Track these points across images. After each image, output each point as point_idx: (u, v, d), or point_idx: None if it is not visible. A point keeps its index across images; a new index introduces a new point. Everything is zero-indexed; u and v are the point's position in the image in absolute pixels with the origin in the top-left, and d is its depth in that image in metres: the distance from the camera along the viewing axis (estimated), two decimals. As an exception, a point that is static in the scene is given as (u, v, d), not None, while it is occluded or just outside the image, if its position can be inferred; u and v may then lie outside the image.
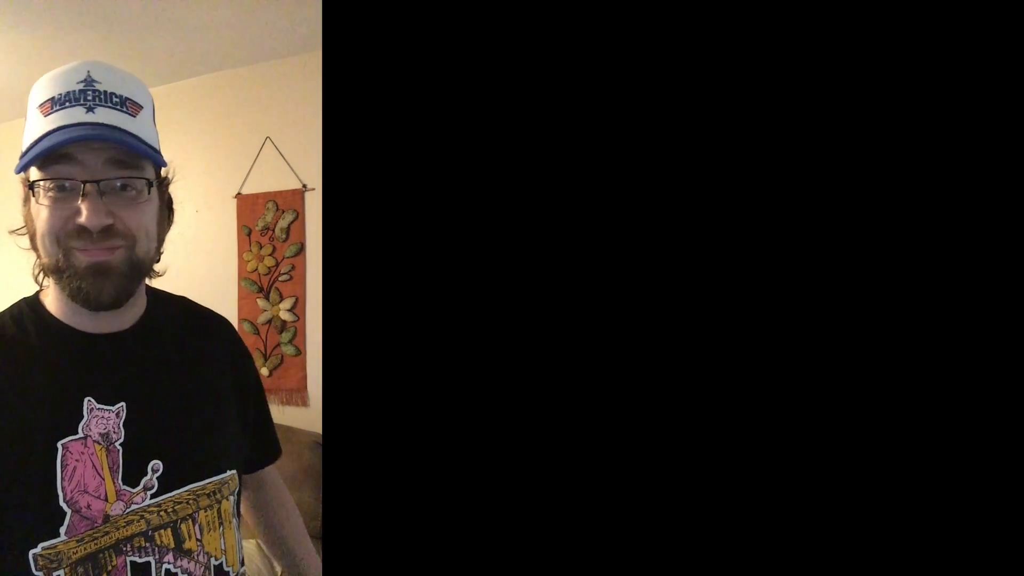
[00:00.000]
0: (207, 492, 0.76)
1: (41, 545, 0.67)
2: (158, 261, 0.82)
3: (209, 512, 0.76)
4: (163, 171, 0.78)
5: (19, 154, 0.73)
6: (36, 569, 0.67)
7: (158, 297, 0.86)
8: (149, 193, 0.73)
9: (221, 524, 0.77)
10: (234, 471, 0.80)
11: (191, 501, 0.75)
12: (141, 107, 0.74)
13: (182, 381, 0.80)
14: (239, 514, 0.83)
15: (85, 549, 0.68)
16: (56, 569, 0.67)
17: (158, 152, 0.74)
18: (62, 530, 0.67)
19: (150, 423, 0.74)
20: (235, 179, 2.70)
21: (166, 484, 0.73)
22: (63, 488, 0.68)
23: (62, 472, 0.68)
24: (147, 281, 0.82)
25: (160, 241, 0.78)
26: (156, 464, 0.72)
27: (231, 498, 0.79)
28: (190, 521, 0.74)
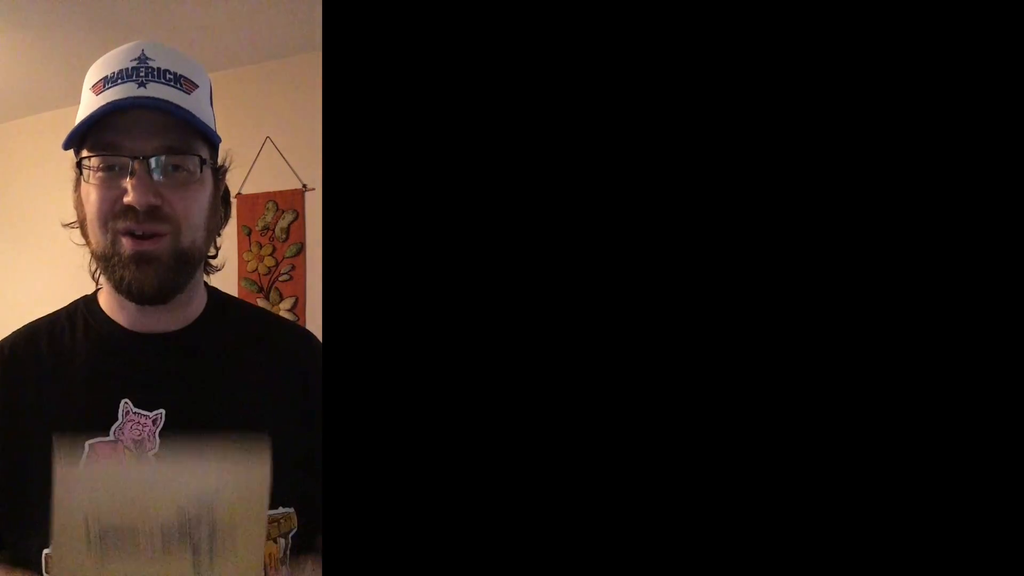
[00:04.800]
0: None
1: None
2: (214, 256, 0.78)
3: None
4: (220, 159, 0.75)
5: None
6: (46, 571, 0.64)
7: (222, 301, 0.81)
8: (201, 172, 0.69)
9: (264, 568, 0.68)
10: (290, 509, 0.71)
11: None
12: (196, 86, 0.71)
13: (235, 393, 0.73)
14: (296, 563, 0.72)
15: None
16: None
17: (212, 131, 0.71)
18: None
19: (189, 436, 0.68)
20: (235, 179, 2.70)
21: None
22: None
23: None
24: (205, 278, 0.78)
25: (211, 232, 0.74)
26: None
27: (280, 540, 0.70)
28: None
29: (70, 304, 0.77)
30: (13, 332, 0.75)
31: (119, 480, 0.47)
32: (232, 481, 0.46)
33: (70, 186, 0.72)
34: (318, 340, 0.83)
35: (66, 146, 0.69)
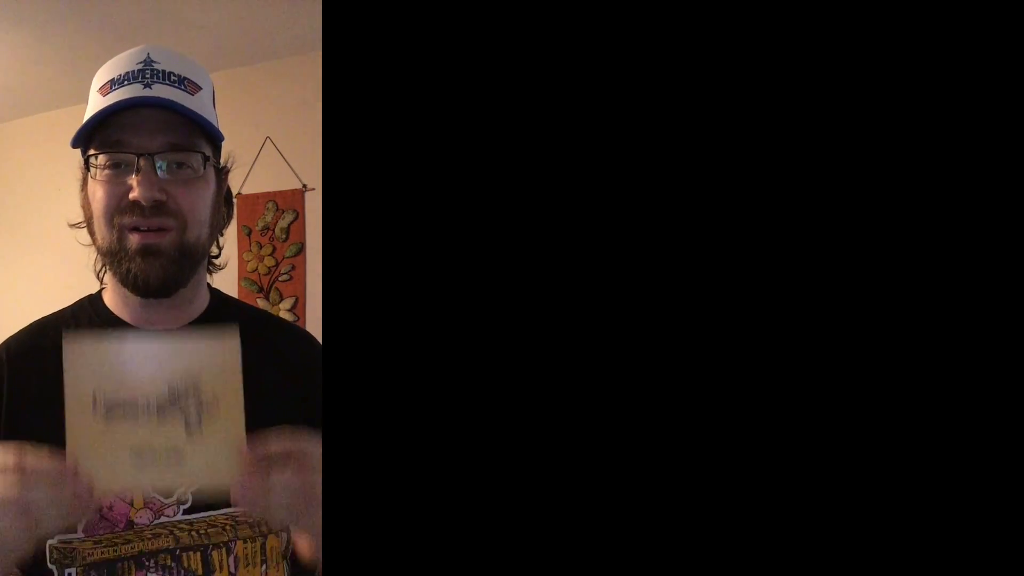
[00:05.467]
0: (249, 521, 0.70)
1: (58, 537, 0.65)
2: (217, 256, 0.81)
3: (250, 545, 0.70)
4: (223, 159, 0.78)
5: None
6: (50, 562, 0.66)
7: (224, 301, 0.83)
8: (204, 169, 0.72)
9: (264, 563, 0.70)
10: None
11: (228, 527, 0.69)
12: (200, 88, 0.74)
13: None
14: (295, 560, 0.72)
15: (103, 553, 0.66)
16: (69, 566, 0.65)
17: (216, 129, 0.74)
18: (80, 527, 0.66)
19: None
20: (235, 179, 2.69)
21: (202, 502, 0.68)
22: None
23: None
24: (208, 278, 0.81)
25: (214, 230, 0.77)
26: None
27: (283, 535, 0.72)
28: (224, 550, 0.69)
29: (75, 303, 0.79)
30: (20, 330, 0.77)
31: (118, 361, 0.55)
32: (210, 360, 0.55)
33: (73, 186, 0.74)
34: (318, 342, 0.85)
35: (74, 144, 0.72)
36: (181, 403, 0.54)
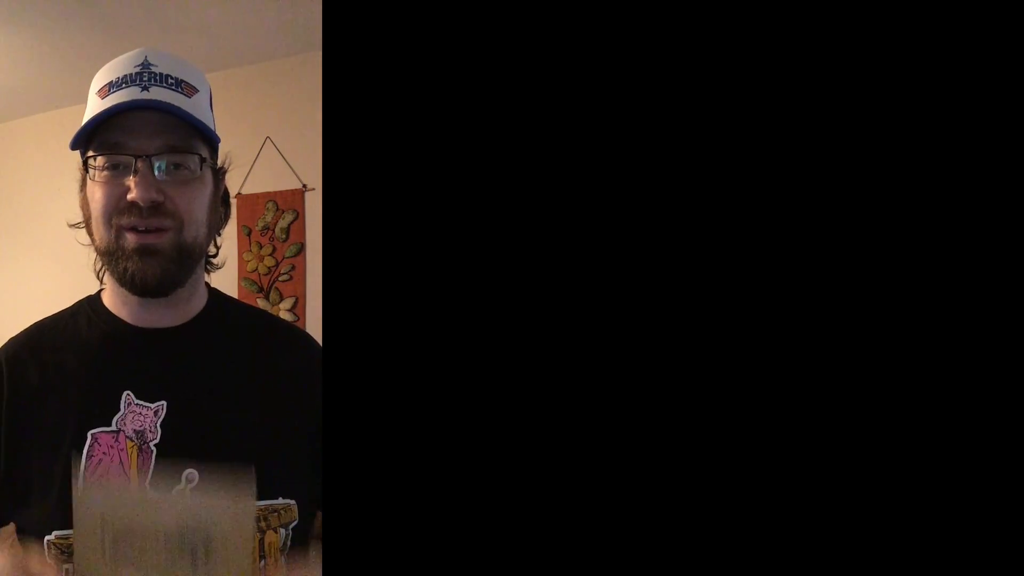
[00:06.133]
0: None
1: (55, 533, 0.66)
2: (214, 255, 0.82)
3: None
4: (219, 161, 0.79)
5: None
6: (48, 558, 0.66)
7: (222, 300, 0.83)
8: (201, 171, 0.73)
9: (263, 558, 0.70)
10: (291, 501, 0.72)
11: None
12: (197, 90, 0.75)
13: (235, 388, 0.74)
14: (294, 555, 0.74)
15: None
16: (67, 562, 0.66)
17: (212, 131, 0.75)
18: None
19: (191, 427, 0.70)
20: (235, 179, 2.70)
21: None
22: (84, 479, 0.67)
23: (87, 462, 0.67)
24: (207, 277, 0.82)
25: (211, 229, 0.77)
26: (191, 473, 0.67)
27: (281, 531, 0.71)
28: None
29: (75, 304, 0.80)
30: (21, 331, 0.78)
31: (126, 507, 0.55)
32: (223, 511, 0.55)
33: (72, 186, 0.75)
34: (316, 341, 0.85)
35: (73, 146, 0.73)
36: (191, 551, 0.54)
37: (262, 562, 0.71)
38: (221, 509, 0.54)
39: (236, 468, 0.56)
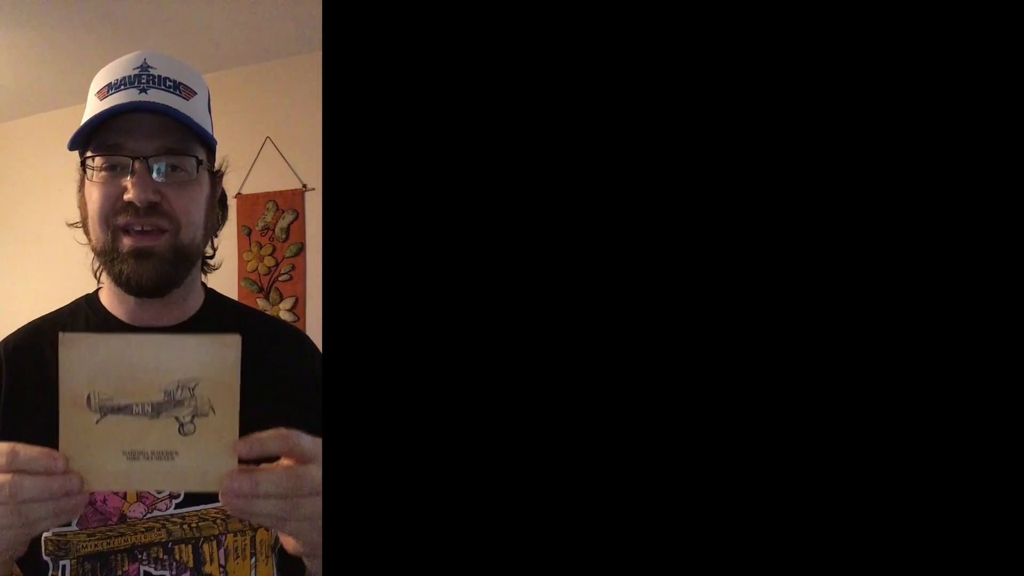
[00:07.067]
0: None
1: (52, 529, 0.66)
2: (211, 256, 0.82)
3: (240, 538, 0.71)
4: (216, 164, 0.80)
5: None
6: (44, 554, 0.67)
7: (219, 300, 0.84)
8: (198, 173, 0.73)
9: (254, 555, 0.71)
10: None
11: (219, 520, 0.71)
12: (195, 93, 0.75)
13: None
14: (285, 554, 0.74)
15: (96, 546, 0.68)
16: (63, 558, 0.66)
17: (209, 134, 0.75)
18: (73, 520, 0.67)
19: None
20: (235, 179, 2.70)
21: (194, 495, 0.70)
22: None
23: None
24: (204, 279, 0.82)
25: (208, 231, 0.78)
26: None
27: (272, 530, 0.72)
28: (214, 543, 0.70)
29: (72, 302, 0.81)
30: (18, 328, 0.79)
31: (115, 362, 0.55)
32: (208, 364, 0.55)
33: (71, 186, 0.76)
34: (312, 342, 0.86)
35: (71, 147, 0.73)
36: (176, 404, 0.54)
37: (252, 559, 0.72)
38: (206, 364, 0.55)
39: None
